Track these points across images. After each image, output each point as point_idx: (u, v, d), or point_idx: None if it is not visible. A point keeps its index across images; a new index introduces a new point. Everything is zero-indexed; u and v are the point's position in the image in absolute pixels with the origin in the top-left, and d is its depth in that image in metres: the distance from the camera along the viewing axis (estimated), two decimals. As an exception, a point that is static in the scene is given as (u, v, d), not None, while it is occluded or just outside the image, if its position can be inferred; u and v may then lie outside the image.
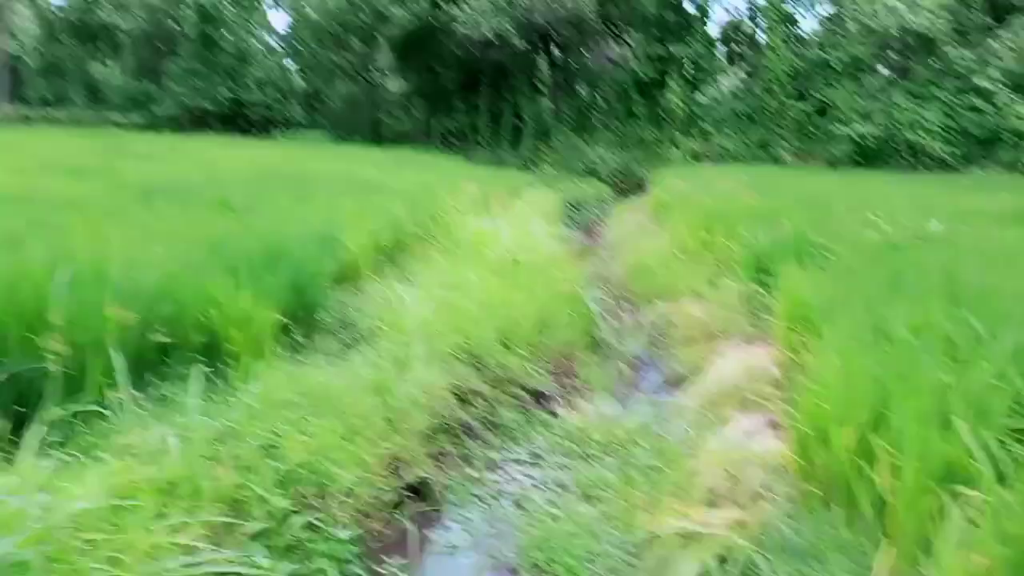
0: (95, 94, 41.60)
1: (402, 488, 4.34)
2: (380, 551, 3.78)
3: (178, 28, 38.41)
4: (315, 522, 3.44)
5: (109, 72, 40.66)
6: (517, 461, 5.43)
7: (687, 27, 33.12)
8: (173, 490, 3.05)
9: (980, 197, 13.66)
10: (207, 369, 4.15)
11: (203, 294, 4.46)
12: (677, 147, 31.43)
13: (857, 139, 27.89)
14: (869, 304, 5.41)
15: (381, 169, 16.20)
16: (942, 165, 26.40)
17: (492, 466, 5.25)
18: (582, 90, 36.67)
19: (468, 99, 37.51)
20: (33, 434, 2.96)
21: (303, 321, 5.48)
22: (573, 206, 21.58)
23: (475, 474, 5.03)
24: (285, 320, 5.06)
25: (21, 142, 18.33)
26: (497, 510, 4.67)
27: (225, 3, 37.81)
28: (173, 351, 4.11)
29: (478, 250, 9.01)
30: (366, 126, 40.24)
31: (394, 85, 43.97)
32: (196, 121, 36.44)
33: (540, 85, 37.12)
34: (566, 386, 6.88)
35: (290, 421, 3.88)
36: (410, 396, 5.01)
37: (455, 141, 37.23)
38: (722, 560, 3.89)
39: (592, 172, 30.51)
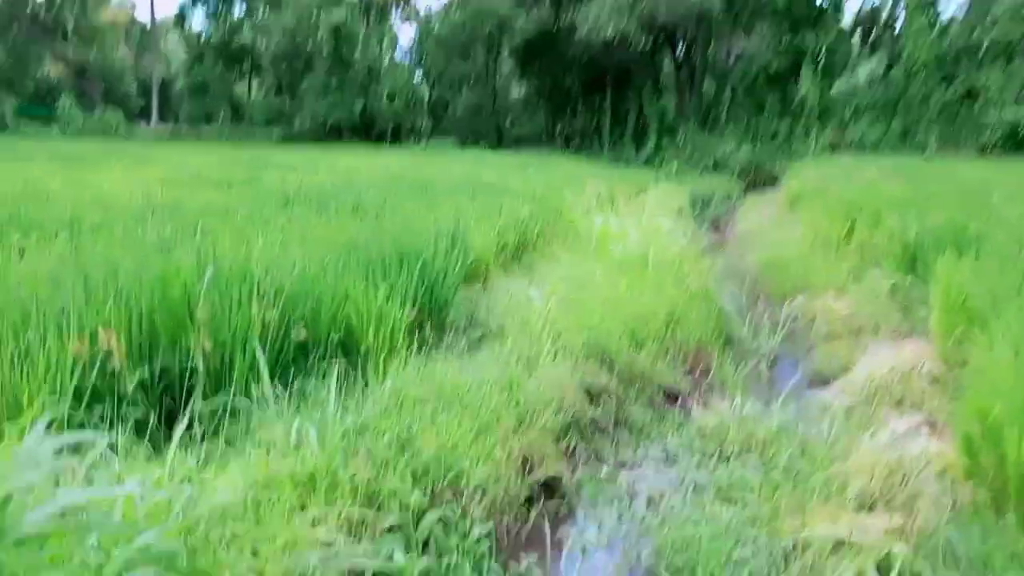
0: (237, 111, 44.29)
1: (534, 485, 4.26)
2: (514, 548, 3.72)
3: (313, 47, 40.27)
4: (449, 517, 3.42)
5: (252, 91, 43.14)
6: (650, 460, 5.26)
7: (819, 16, 31.71)
8: (312, 483, 3.09)
9: None
10: (343, 366, 4.23)
11: (340, 293, 4.56)
12: (810, 139, 30.10)
13: (1011, 125, 25.81)
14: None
15: (505, 171, 16.31)
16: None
17: (624, 465, 5.10)
18: (708, 86, 35.77)
19: (590, 100, 37.41)
20: (180, 428, 3.08)
21: (433, 319, 5.53)
22: (701, 202, 21.05)
23: (607, 472, 4.90)
24: (417, 318, 5.11)
25: (171, 156, 19.65)
26: (631, 510, 4.52)
27: (357, 21, 39.37)
28: (311, 348, 4.22)
29: (604, 248, 8.87)
30: (490, 131, 40.88)
31: (516, 90, 44.45)
32: (330, 133, 38.12)
33: (664, 83, 36.50)
34: (700, 384, 6.64)
35: (423, 417, 3.89)
36: (540, 393, 4.95)
37: (578, 142, 37.20)
38: (880, 570, 3.60)
39: (720, 167, 29.72)
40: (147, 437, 3.25)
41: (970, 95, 27.58)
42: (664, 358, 6.64)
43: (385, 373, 4.35)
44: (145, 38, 52.84)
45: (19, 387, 3.16)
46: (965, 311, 5.88)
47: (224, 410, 3.49)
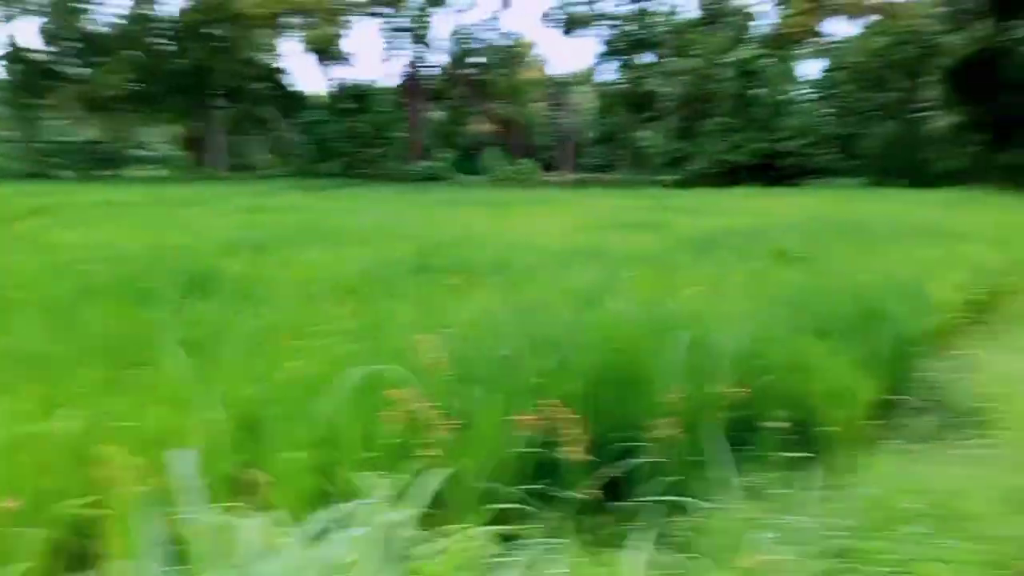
0: (638, 157, 45.70)
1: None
2: None
3: (717, 87, 40.06)
4: None
5: (652, 137, 44.21)
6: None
7: None
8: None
9: None
10: (805, 455, 3.43)
11: (794, 361, 3.77)
12: None
13: None
14: None
15: (943, 211, 14.06)
16: None
17: None
18: None
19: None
20: (637, 528, 2.53)
21: (901, 397, 4.44)
22: None
23: None
24: (885, 395, 4.10)
25: (580, 202, 20.51)
26: None
27: (763, 57, 38.41)
28: (758, 430, 3.47)
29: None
30: (907, 167, 36.71)
31: (942, 120, 39.44)
32: (726, 175, 37.34)
33: None
34: None
35: (917, 541, 2.91)
36: None
37: (1019, 177, 31.51)
38: None
39: None
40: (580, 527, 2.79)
41: None
42: None
43: (855, 470, 3.43)
44: (558, 92, 57.38)
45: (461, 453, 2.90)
46: None
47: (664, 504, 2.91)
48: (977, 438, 4.37)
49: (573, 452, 2.77)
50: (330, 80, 51.42)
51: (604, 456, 3.05)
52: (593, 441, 2.88)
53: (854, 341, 4.17)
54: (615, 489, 3.07)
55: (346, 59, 52.19)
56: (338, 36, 50.72)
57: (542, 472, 2.94)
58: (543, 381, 3.10)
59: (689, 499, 2.94)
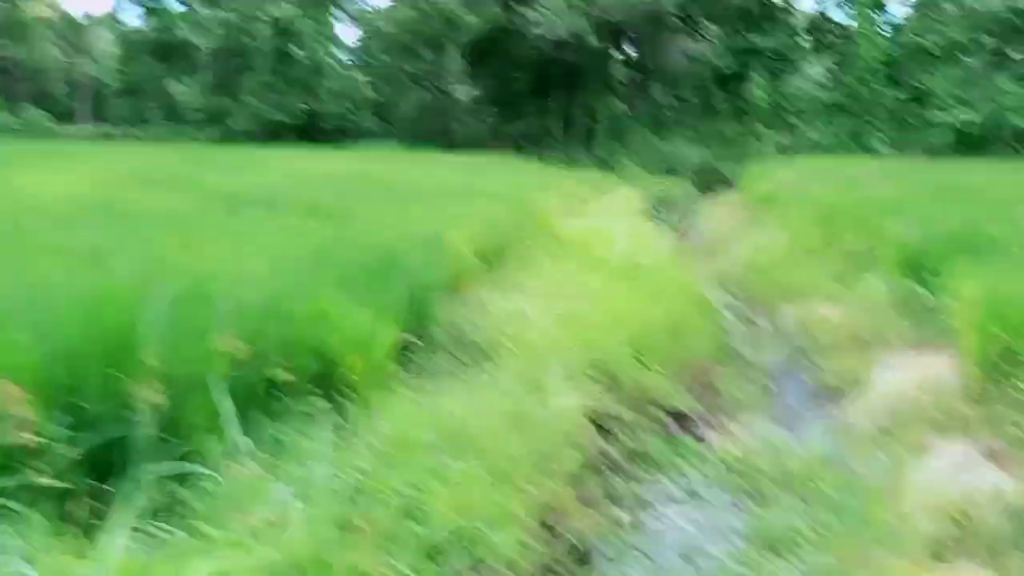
0: (172, 112, 42.31)
1: (560, 547, 3.52)
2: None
3: (253, 43, 38.74)
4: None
5: (186, 90, 41.23)
6: (676, 502, 4.57)
7: (771, 17, 31.70)
8: None
9: None
10: (322, 403, 3.43)
11: (315, 313, 3.74)
12: (761, 141, 30.02)
13: (959, 127, 26.07)
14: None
15: (465, 172, 15.53)
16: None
17: (649, 509, 4.40)
18: (658, 87, 35.53)
19: (539, 102, 36.80)
20: (118, 507, 2.25)
21: (420, 339, 4.73)
22: (660, 205, 20.59)
23: (633, 522, 4.19)
24: (403, 338, 4.32)
25: (102, 155, 18.32)
26: (668, 569, 3.82)
27: (300, 17, 38.05)
28: (282, 384, 3.38)
29: (588, 252, 8.17)
30: (437, 133, 39.90)
31: (464, 92, 43.60)
32: (270, 134, 36.65)
33: (614, 84, 36.15)
34: (710, 405, 5.98)
35: (430, 469, 3.11)
36: (551, 427, 4.22)
37: (527, 144, 36.52)
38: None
39: (672, 170, 29.40)
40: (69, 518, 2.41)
41: (918, 98, 27.79)
42: (669, 375, 5.96)
43: (376, 411, 3.55)
44: (75, 35, 50.34)
45: None
46: (1002, 321, 5.33)
47: (176, 476, 2.66)
48: (486, 370, 4.88)
49: (22, 434, 2.36)
50: None
51: (95, 432, 2.66)
52: (78, 417, 2.49)
53: (376, 291, 4.30)
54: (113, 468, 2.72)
55: None
56: None
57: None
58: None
59: (196, 466, 2.72)
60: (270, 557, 2.27)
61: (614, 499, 4.40)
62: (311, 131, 38.14)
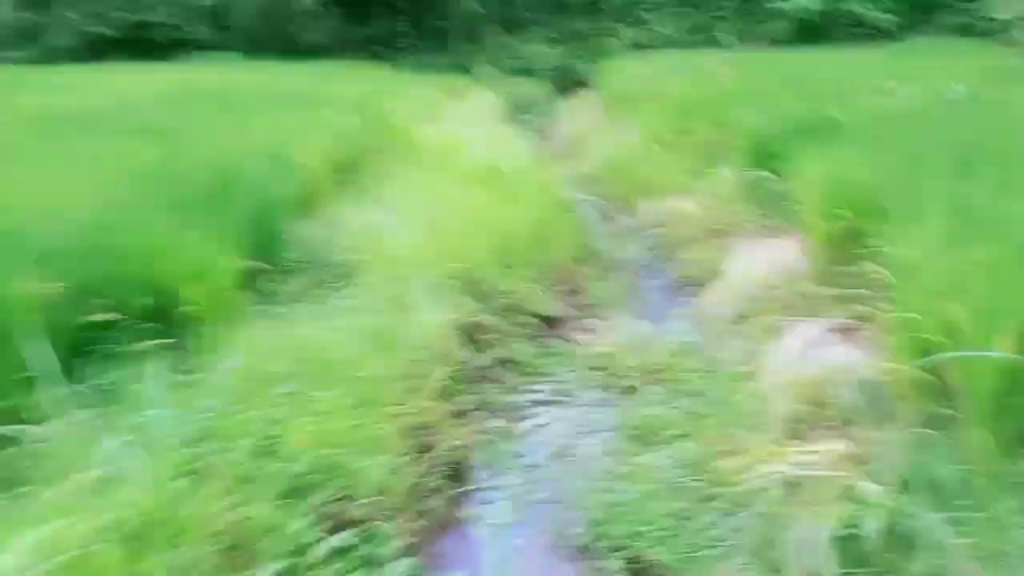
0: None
1: (435, 467, 3.44)
2: (435, 557, 2.91)
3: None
4: (349, 542, 2.53)
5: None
6: (546, 403, 4.59)
7: (616, -93, 31.20)
8: (143, 534, 2.08)
9: (949, 61, 12.91)
10: (161, 341, 3.13)
11: (144, 243, 3.38)
12: (615, 38, 30.01)
13: (799, 15, 26.94)
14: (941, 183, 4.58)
15: (311, 81, 14.67)
16: (882, 34, 25.59)
17: (523, 415, 4.39)
18: (509, -16, 34.62)
19: (389, 2, 35.14)
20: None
21: (270, 263, 4.43)
22: (519, 106, 20.33)
23: (508, 429, 4.17)
24: (251, 263, 4.01)
25: None
26: (545, 470, 3.83)
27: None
28: (113, 324, 3.05)
29: (446, 160, 7.92)
30: (280, 41, 37.46)
31: (306, -5, 41.04)
32: (94, 51, 33.37)
33: (464, -18, 34.93)
34: (577, 306, 6.01)
35: (288, 402, 2.91)
36: (418, 342, 4.08)
37: (379, 49, 35.04)
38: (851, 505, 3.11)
39: (528, 71, 29.06)
40: None
41: (761, -11, 28.38)
42: (536, 280, 5.92)
43: (224, 345, 3.27)
44: None
45: None
46: (846, 201, 5.55)
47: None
48: (346, 291, 4.65)
49: None
50: None
51: None
52: None
53: (214, 213, 3.94)
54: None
55: None
56: None
57: None
58: None
59: (17, 426, 2.42)
60: (107, 517, 2.04)
61: (487, 409, 4.36)
62: (141, 44, 35.00)
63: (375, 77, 18.90)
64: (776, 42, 26.30)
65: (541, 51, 29.86)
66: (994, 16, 18.07)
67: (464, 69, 30.18)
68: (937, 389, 3.47)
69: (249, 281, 4.06)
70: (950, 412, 3.30)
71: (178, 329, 3.34)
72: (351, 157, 7.60)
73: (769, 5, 27.62)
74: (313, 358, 3.27)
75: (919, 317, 3.61)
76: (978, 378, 3.15)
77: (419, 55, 33.13)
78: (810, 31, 26.08)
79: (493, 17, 33.09)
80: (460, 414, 4.13)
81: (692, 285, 6.54)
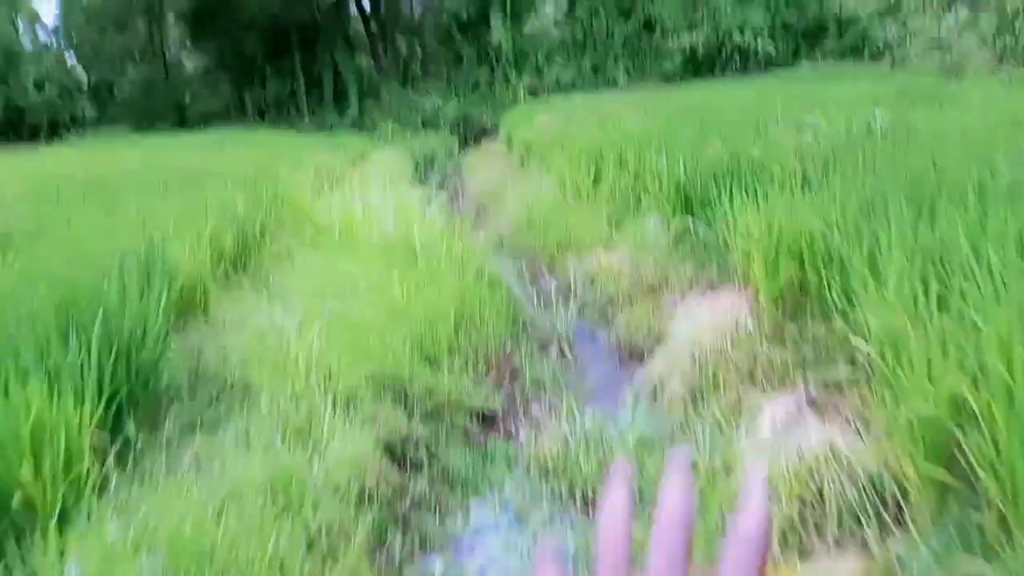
0: None
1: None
2: None
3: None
4: None
5: None
6: (490, 528, 3.88)
7: (501, -43, 31.40)
8: None
9: (848, 86, 13.01)
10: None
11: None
12: (510, 86, 29.98)
13: (688, 51, 27.48)
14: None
15: (199, 153, 13.76)
16: (771, 63, 26.26)
17: (461, 548, 3.67)
18: (401, 38, 34.39)
19: (280, 65, 34.32)
20: None
21: (139, 401, 3.59)
22: (423, 163, 19.79)
23: (440, 571, 3.44)
24: (107, 410, 3.17)
25: None
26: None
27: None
28: None
29: (353, 236, 7.19)
30: (168, 111, 36.20)
31: (192, 62, 39.90)
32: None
33: (355, 39, 34.52)
34: (516, 394, 5.33)
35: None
36: (330, 481, 3.32)
37: (273, 112, 34.11)
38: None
39: (430, 124, 28.71)
40: None
41: (648, 26, 28.84)
42: (465, 369, 5.23)
43: (70, 540, 2.45)
44: None
45: None
46: (793, 252, 5.10)
47: None
48: (237, 424, 3.83)
49: None
50: None
51: None
52: None
53: (54, 353, 3.11)
54: None
55: None
56: None
57: None
58: None
59: None
60: None
61: (424, 548, 3.62)
62: (16, 128, 33.11)
63: (271, 143, 18.01)
64: (668, 78, 26.72)
65: (441, 103, 29.56)
66: (880, 38, 18.68)
67: (365, 126, 29.58)
68: (959, 486, 2.94)
69: (112, 431, 3.21)
70: (981, 518, 2.77)
71: (13, 527, 2.50)
72: (243, 244, 6.78)
73: (658, 43, 28.11)
74: (189, 549, 2.47)
75: (921, 398, 3.09)
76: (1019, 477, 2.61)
77: (318, 116, 32.36)
78: (699, 65, 26.61)
79: (390, 72, 32.66)
80: (391, 562, 3.37)
81: (636, 354, 5.98)
